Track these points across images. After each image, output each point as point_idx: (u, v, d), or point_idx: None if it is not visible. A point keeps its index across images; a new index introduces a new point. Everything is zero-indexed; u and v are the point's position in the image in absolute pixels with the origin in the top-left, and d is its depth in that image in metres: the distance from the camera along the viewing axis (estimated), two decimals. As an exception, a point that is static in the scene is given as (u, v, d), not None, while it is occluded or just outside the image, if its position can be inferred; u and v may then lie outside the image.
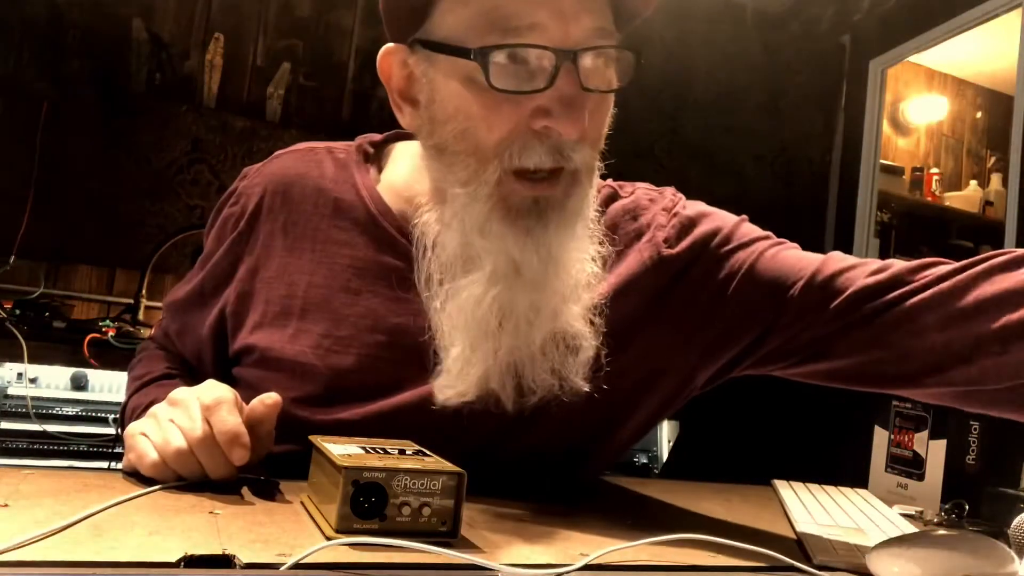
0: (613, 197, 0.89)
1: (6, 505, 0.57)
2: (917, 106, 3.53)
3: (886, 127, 3.24)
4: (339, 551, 0.53)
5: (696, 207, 0.88)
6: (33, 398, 1.97)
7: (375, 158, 0.88)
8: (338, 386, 0.79)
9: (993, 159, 3.68)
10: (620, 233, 0.85)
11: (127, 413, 0.90)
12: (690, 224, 0.85)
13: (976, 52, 3.20)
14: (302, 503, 0.67)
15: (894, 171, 3.32)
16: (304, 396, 0.80)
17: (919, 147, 3.61)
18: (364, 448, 0.64)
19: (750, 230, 0.86)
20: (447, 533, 0.59)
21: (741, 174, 2.94)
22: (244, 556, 0.50)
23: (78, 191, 2.43)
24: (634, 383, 0.83)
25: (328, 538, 0.55)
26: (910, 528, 0.89)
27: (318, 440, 0.67)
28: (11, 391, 2.00)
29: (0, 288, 2.32)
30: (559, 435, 0.83)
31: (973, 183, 3.59)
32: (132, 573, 0.47)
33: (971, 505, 1.03)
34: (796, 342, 0.79)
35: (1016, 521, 0.72)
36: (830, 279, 0.77)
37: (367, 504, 0.57)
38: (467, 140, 0.70)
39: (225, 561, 0.49)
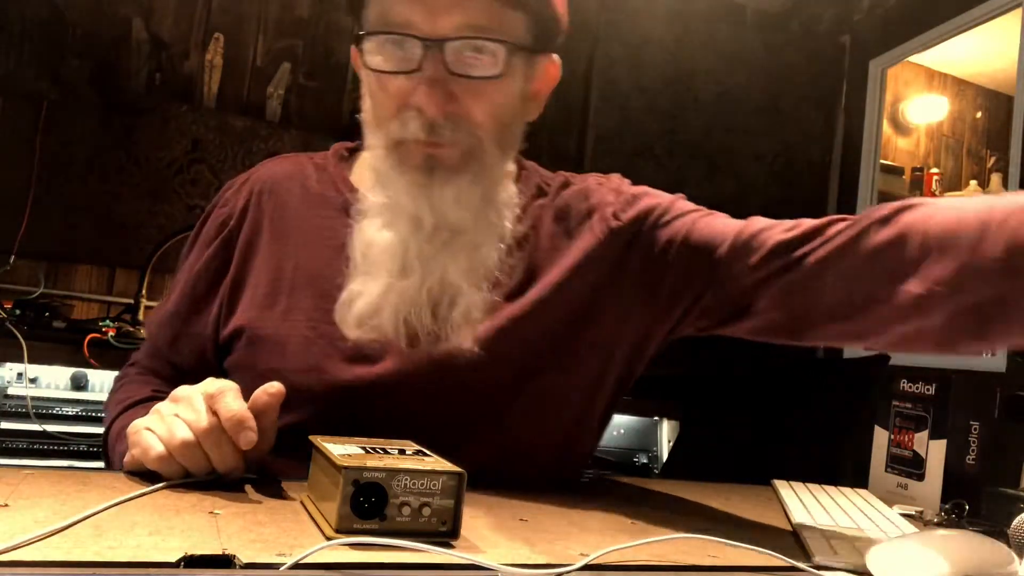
0: (566, 184, 1.00)
1: (6, 505, 0.57)
2: (917, 106, 3.53)
3: (886, 127, 3.24)
4: (339, 551, 0.53)
5: (639, 187, 0.99)
6: (33, 398, 1.97)
7: (349, 159, 0.98)
8: (329, 354, 0.85)
9: (993, 159, 3.68)
10: (574, 213, 0.95)
11: (111, 437, 0.87)
12: (634, 199, 0.95)
13: (976, 52, 3.20)
14: (302, 503, 0.67)
15: (894, 171, 3.32)
16: (297, 368, 0.84)
17: (919, 147, 3.61)
18: (364, 448, 0.64)
19: (686, 205, 0.95)
20: (447, 533, 0.59)
21: (741, 174, 2.94)
22: (244, 556, 0.50)
23: (78, 191, 2.43)
24: (604, 353, 0.92)
25: (328, 538, 0.55)
26: (910, 528, 0.89)
27: (318, 440, 0.67)
28: (11, 391, 2.00)
29: (0, 288, 2.32)
30: (544, 418, 0.89)
31: (973, 183, 3.59)
32: (132, 573, 0.47)
33: (971, 505, 1.03)
34: (726, 298, 0.87)
35: (1016, 521, 0.72)
36: (751, 238, 0.86)
37: (367, 504, 0.57)
38: (370, 112, 0.86)
39: (225, 561, 0.49)
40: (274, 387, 0.71)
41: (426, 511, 0.58)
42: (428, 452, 0.66)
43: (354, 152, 0.98)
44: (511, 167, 0.92)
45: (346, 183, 0.93)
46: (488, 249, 0.85)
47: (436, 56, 0.78)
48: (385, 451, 0.64)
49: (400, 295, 0.82)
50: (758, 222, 0.89)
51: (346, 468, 0.57)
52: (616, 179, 1.01)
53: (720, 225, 0.90)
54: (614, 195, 0.96)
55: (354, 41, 0.83)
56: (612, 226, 0.93)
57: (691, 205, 0.95)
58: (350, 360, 0.85)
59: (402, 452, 0.64)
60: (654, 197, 0.96)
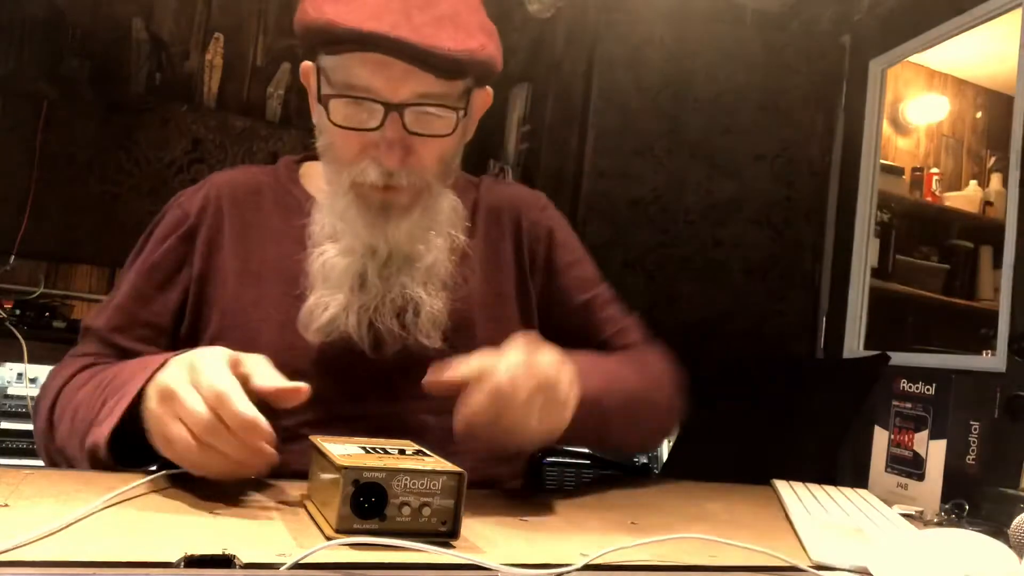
0: (491, 186, 1.13)
1: (6, 505, 0.57)
2: (917, 106, 3.53)
3: (886, 127, 3.23)
4: (339, 551, 0.53)
5: (547, 205, 1.16)
6: (33, 398, 1.97)
7: (296, 168, 1.08)
8: (297, 336, 0.94)
9: (993, 159, 3.67)
10: (505, 210, 1.10)
11: (64, 408, 0.89)
12: (545, 210, 1.14)
13: (976, 52, 3.20)
14: (303, 503, 0.67)
15: (894, 171, 3.31)
16: (273, 351, 0.88)
17: (919, 147, 3.61)
18: (364, 448, 0.64)
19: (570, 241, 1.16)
20: (447, 533, 0.59)
21: (741, 174, 2.94)
22: (244, 556, 0.50)
23: (78, 191, 2.43)
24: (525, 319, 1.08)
25: (328, 538, 0.55)
26: (910, 528, 0.89)
27: (318, 440, 0.66)
28: (11, 391, 2.00)
29: (0, 288, 2.32)
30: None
31: (973, 183, 3.59)
32: (132, 573, 0.47)
33: (971, 505, 1.03)
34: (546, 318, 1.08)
35: (1016, 521, 0.72)
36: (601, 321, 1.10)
37: (367, 504, 0.57)
38: (329, 152, 0.95)
39: (225, 561, 0.49)
40: (302, 389, 0.73)
41: (426, 511, 0.58)
42: (428, 452, 0.66)
43: (300, 163, 1.09)
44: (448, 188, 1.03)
45: (299, 187, 1.04)
46: (441, 264, 0.97)
47: (396, 118, 0.88)
48: (385, 451, 0.64)
49: (361, 305, 0.93)
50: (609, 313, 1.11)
51: (346, 468, 0.56)
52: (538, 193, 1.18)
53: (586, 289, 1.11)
54: (534, 200, 1.14)
55: (320, 100, 0.92)
56: (526, 226, 1.10)
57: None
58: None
59: (402, 452, 0.64)
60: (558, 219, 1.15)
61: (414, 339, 0.94)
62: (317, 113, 0.96)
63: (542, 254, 1.10)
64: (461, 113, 0.93)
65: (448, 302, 0.96)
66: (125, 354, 0.95)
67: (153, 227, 1.03)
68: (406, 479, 0.57)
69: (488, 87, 1.02)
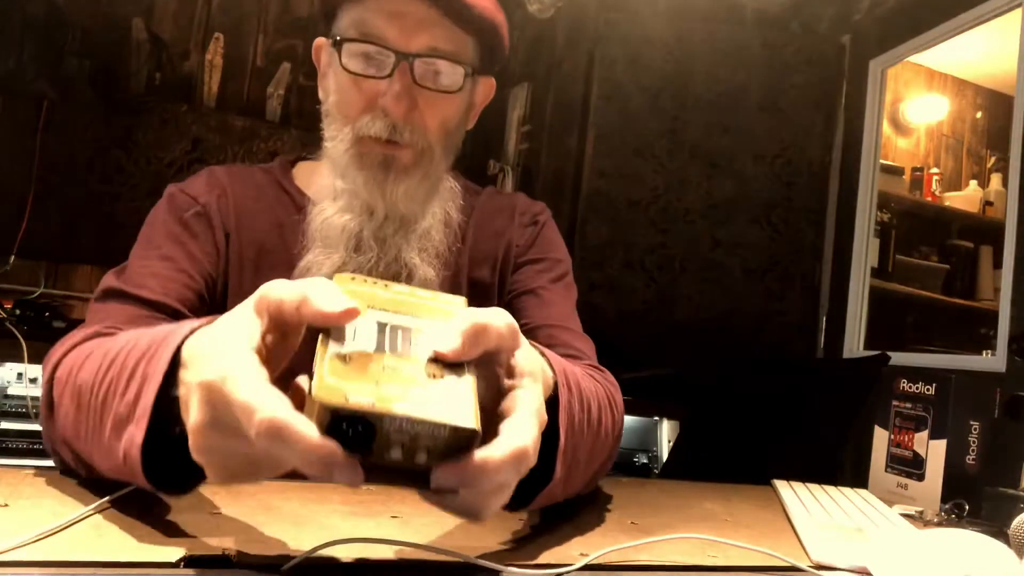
0: (494, 194, 1.14)
1: (6, 505, 0.57)
2: (917, 106, 3.53)
3: (886, 127, 3.23)
4: (339, 551, 0.53)
5: (547, 217, 1.15)
6: (33, 398, 1.97)
7: (290, 167, 1.08)
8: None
9: (993, 159, 3.67)
10: (503, 212, 1.10)
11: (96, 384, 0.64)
12: (535, 220, 1.12)
13: (976, 52, 3.20)
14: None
15: (894, 171, 3.32)
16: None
17: (919, 147, 3.61)
18: (378, 341, 0.51)
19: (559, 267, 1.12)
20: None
21: (741, 174, 2.94)
22: (244, 556, 0.50)
23: (78, 191, 2.43)
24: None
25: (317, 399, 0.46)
26: (910, 528, 0.89)
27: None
28: (11, 391, 2.00)
29: (0, 288, 2.32)
30: None
31: (973, 183, 3.59)
32: (132, 573, 0.47)
33: (971, 505, 1.03)
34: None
35: (1016, 521, 0.72)
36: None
37: (351, 432, 0.46)
38: (337, 108, 0.96)
39: (225, 561, 0.49)
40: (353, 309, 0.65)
41: (421, 457, 0.48)
42: (456, 365, 0.52)
43: (296, 162, 1.10)
44: (449, 170, 1.04)
45: (293, 185, 1.05)
46: (436, 233, 0.98)
47: (405, 68, 0.91)
48: (396, 351, 0.51)
49: (357, 268, 0.92)
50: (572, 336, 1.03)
51: (323, 404, 0.46)
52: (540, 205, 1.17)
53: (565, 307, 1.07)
54: (532, 203, 1.14)
55: (334, 45, 0.95)
56: (517, 221, 1.10)
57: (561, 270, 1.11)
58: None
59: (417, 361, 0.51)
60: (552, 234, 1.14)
61: None
62: (325, 83, 0.99)
63: (525, 245, 1.09)
64: (468, 72, 0.95)
65: (439, 273, 0.97)
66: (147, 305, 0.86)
67: (158, 212, 0.98)
68: (401, 423, 0.47)
69: (492, 78, 1.04)
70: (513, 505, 0.61)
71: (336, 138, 0.96)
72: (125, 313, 0.84)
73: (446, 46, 0.93)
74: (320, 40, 1.01)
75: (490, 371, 0.56)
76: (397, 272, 0.95)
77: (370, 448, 0.46)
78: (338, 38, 0.94)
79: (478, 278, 1.06)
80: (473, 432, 0.48)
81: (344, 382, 0.47)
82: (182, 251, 0.94)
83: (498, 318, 0.55)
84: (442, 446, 0.48)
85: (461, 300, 0.58)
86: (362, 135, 0.93)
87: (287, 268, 0.95)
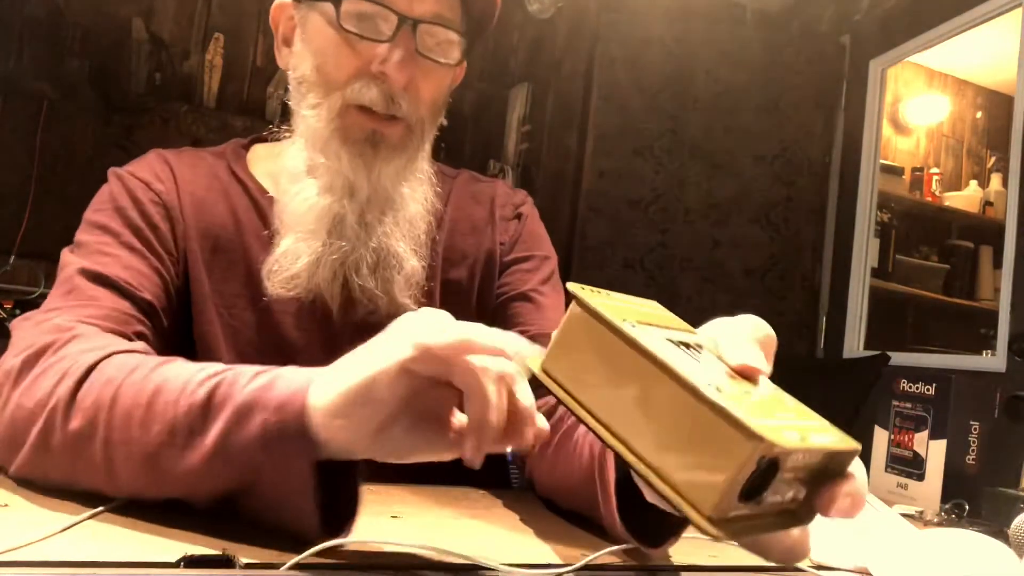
0: (474, 179, 1.05)
1: (6, 505, 0.57)
2: (917, 106, 3.53)
3: (886, 127, 3.24)
4: (339, 551, 0.53)
5: (531, 211, 1.05)
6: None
7: (244, 152, 0.97)
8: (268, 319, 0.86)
9: (993, 159, 3.68)
10: (482, 200, 1.01)
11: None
12: (518, 210, 1.02)
13: (976, 52, 3.20)
14: (547, 377, 0.47)
15: (894, 171, 3.32)
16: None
17: (919, 147, 3.61)
18: (725, 379, 0.44)
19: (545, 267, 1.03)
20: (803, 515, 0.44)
21: (741, 174, 2.94)
22: (244, 556, 0.50)
23: (78, 191, 2.43)
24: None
25: (698, 526, 0.39)
26: (910, 528, 0.89)
27: (649, 346, 0.43)
28: (11, 391, 2.00)
29: (0, 288, 2.32)
30: None
31: (973, 183, 3.59)
32: (132, 573, 0.47)
33: (971, 505, 1.03)
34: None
35: (1016, 521, 0.72)
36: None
37: (752, 482, 0.39)
38: (320, 73, 0.85)
39: (225, 561, 0.49)
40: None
41: (797, 491, 0.43)
42: (808, 410, 0.46)
43: (252, 144, 0.99)
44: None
45: (247, 171, 0.94)
46: (421, 221, 0.89)
47: (408, 34, 0.82)
48: (779, 401, 0.45)
49: (335, 257, 0.83)
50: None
51: (760, 439, 0.38)
52: (522, 194, 1.07)
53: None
54: (511, 194, 1.04)
55: (333, 2, 0.83)
56: (498, 219, 1.00)
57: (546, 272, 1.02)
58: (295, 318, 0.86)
59: (782, 401, 0.45)
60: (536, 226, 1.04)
61: (388, 299, 0.85)
62: (295, 49, 0.89)
63: (510, 243, 1.00)
64: (466, 46, 0.88)
65: (425, 266, 0.89)
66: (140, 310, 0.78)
67: (110, 196, 0.87)
68: (801, 456, 0.40)
69: (464, 61, 0.96)
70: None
71: (319, 106, 0.85)
72: (111, 303, 0.76)
73: (449, 14, 0.85)
74: (282, 2, 0.91)
75: None
76: (378, 262, 0.85)
77: (762, 493, 0.40)
78: None
79: (453, 279, 0.95)
80: (858, 450, 0.43)
81: (757, 419, 0.39)
82: (146, 243, 0.84)
83: (767, 326, 0.50)
84: (810, 477, 0.43)
85: (654, 303, 0.53)
86: (352, 103, 0.83)
87: (243, 264, 0.87)
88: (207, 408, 0.55)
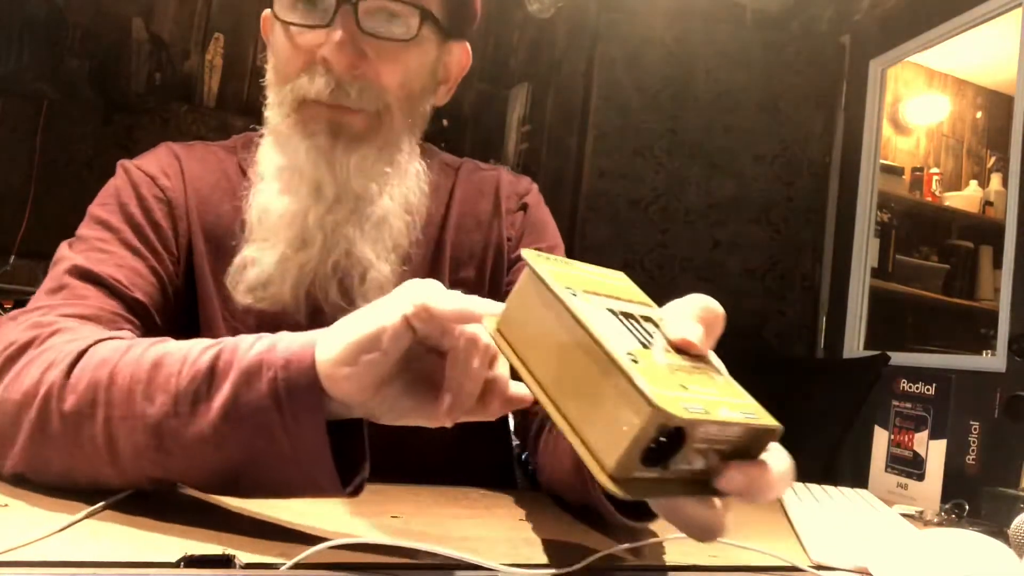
0: (475, 169, 1.00)
1: (6, 505, 0.57)
2: (917, 106, 3.53)
3: (886, 127, 3.24)
4: (339, 551, 0.53)
5: (538, 201, 1.02)
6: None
7: (257, 143, 0.91)
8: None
9: (993, 159, 3.68)
10: (484, 196, 0.96)
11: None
12: (524, 203, 0.99)
13: (976, 52, 3.20)
14: (497, 339, 0.50)
15: (894, 171, 3.32)
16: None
17: (919, 147, 3.61)
18: (664, 354, 0.46)
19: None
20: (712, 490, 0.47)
21: (741, 174, 2.94)
22: (244, 556, 0.50)
23: (78, 191, 2.43)
24: None
25: (597, 478, 0.43)
26: (910, 528, 0.89)
27: (569, 301, 0.46)
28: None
29: (0, 288, 2.32)
30: None
31: (973, 183, 3.59)
32: (132, 573, 0.47)
33: (971, 505, 1.03)
34: None
35: (1016, 521, 0.72)
36: None
37: (654, 445, 0.42)
38: (276, 72, 0.83)
39: (225, 561, 0.49)
40: None
41: (709, 459, 0.45)
42: (737, 387, 0.48)
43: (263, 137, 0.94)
44: (415, 147, 0.89)
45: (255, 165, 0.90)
46: (396, 220, 0.83)
47: (348, 12, 0.77)
48: (689, 366, 0.47)
49: (300, 266, 0.79)
50: None
51: (656, 408, 0.40)
52: (526, 182, 1.03)
53: None
54: (516, 184, 1.00)
55: None
56: (506, 216, 0.97)
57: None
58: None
59: (712, 375, 0.47)
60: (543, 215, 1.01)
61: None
62: (270, 39, 0.86)
63: (517, 236, 0.96)
64: (426, 16, 0.80)
65: (398, 269, 0.82)
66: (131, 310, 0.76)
67: (115, 191, 0.86)
68: (714, 429, 0.43)
69: (465, 43, 0.91)
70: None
71: (275, 105, 0.82)
72: (99, 302, 0.75)
73: None
74: (267, 12, 0.88)
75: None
76: (347, 270, 0.80)
77: (668, 459, 0.43)
78: None
79: (462, 278, 0.91)
80: (777, 429, 0.46)
81: (660, 388, 0.41)
82: (146, 242, 0.82)
83: (715, 303, 0.51)
84: (729, 450, 0.45)
85: (621, 275, 0.56)
86: (301, 97, 0.79)
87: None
88: (212, 374, 0.55)
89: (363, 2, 0.77)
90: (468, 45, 0.91)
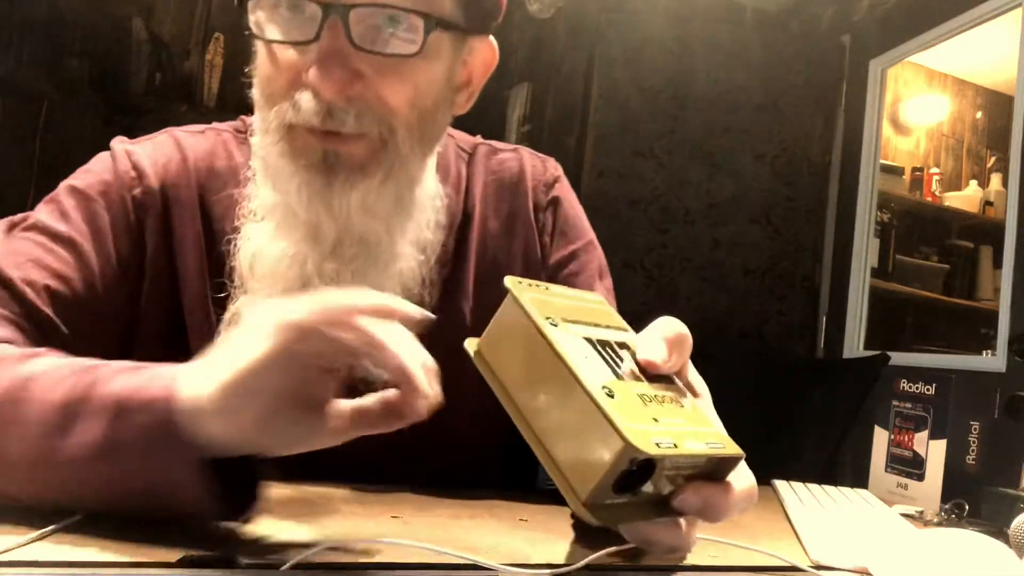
0: (493, 152, 0.89)
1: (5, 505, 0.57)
2: (917, 106, 3.53)
3: (886, 127, 3.24)
4: (339, 551, 0.53)
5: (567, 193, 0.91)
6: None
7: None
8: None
9: (993, 159, 3.68)
10: (507, 189, 0.86)
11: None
12: (553, 197, 0.88)
13: (976, 52, 3.20)
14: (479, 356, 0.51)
15: (894, 171, 3.32)
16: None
17: (919, 147, 3.61)
18: (637, 381, 0.49)
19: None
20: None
21: (741, 174, 2.94)
22: (244, 556, 0.50)
23: (78, 191, 2.44)
24: None
25: (582, 509, 0.45)
26: (910, 528, 0.89)
27: (558, 345, 0.47)
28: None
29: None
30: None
31: (973, 183, 3.59)
32: (132, 573, 0.47)
33: (971, 505, 1.03)
34: None
35: (1016, 521, 0.72)
36: None
37: (626, 474, 0.44)
38: (260, 92, 0.71)
39: (225, 561, 0.49)
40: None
41: (676, 482, 0.47)
42: (708, 413, 0.52)
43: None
44: (429, 165, 0.78)
45: (246, 158, 0.82)
46: (407, 262, 0.73)
47: (336, 25, 0.63)
48: (660, 397, 0.49)
49: None
50: None
51: (629, 444, 0.42)
52: (552, 165, 0.91)
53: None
54: (540, 175, 0.89)
55: (237, 3, 0.67)
56: (533, 212, 0.86)
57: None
58: None
59: (679, 403, 0.50)
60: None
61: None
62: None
63: (549, 241, 0.86)
64: (433, 25, 0.66)
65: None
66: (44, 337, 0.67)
67: (94, 172, 0.80)
68: (682, 458, 0.46)
69: (490, 38, 0.76)
70: None
71: (262, 132, 0.71)
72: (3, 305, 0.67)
73: None
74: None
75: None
76: None
77: (638, 486, 0.45)
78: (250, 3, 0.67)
79: (488, 304, 0.67)
80: (739, 456, 0.49)
81: (632, 423, 0.44)
82: (100, 249, 0.74)
83: (683, 326, 0.52)
84: (695, 474, 0.48)
85: (599, 298, 0.58)
86: (287, 123, 0.67)
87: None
88: (65, 412, 0.52)
89: (356, 9, 0.63)
90: (493, 40, 0.77)
